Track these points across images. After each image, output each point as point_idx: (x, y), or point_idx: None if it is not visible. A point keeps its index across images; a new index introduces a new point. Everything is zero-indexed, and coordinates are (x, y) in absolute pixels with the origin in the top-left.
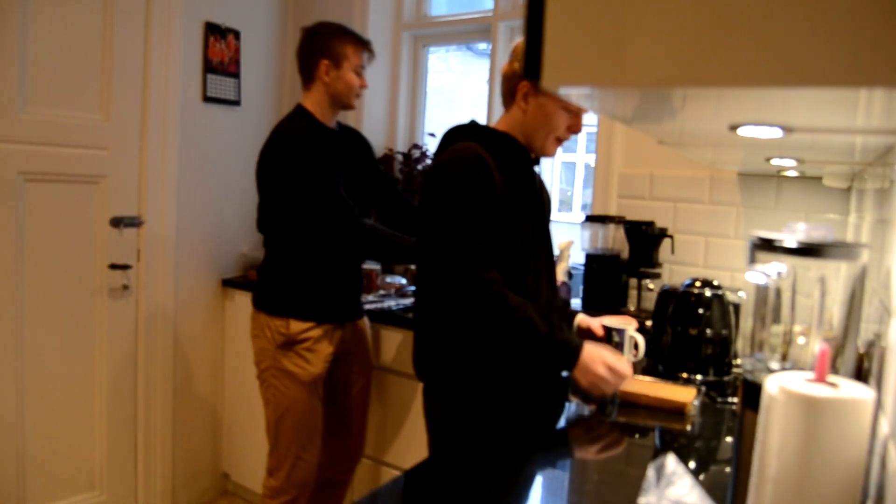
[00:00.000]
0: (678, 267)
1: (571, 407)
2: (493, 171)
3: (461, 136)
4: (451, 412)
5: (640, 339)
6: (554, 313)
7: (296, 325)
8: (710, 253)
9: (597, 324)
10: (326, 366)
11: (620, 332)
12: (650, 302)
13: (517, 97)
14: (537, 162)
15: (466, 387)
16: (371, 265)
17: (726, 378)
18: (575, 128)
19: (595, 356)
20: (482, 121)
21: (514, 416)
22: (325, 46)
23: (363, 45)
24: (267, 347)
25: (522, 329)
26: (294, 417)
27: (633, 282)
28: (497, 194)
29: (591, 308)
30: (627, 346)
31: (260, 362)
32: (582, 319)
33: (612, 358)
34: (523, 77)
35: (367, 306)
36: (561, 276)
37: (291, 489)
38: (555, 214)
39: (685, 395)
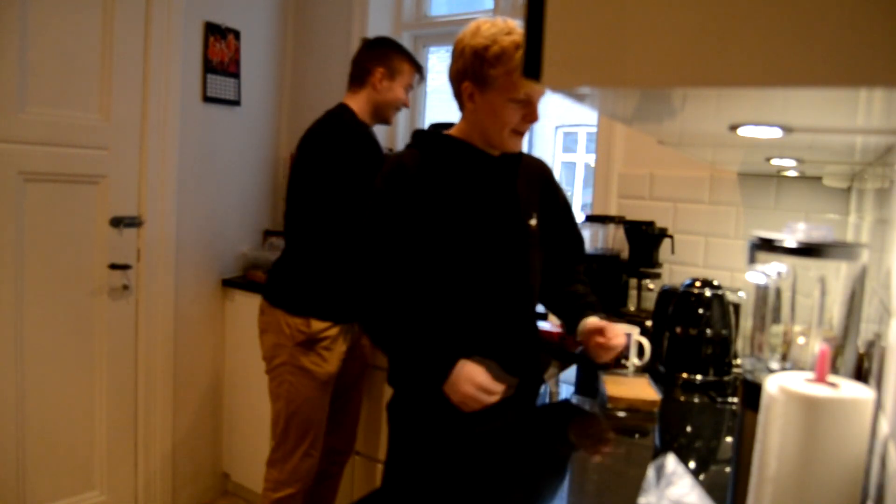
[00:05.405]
0: (678, 267)
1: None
2: (416, 179)
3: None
4: (401, 397)
5: (646, 344)
6: (526, 315)
7: (317, 325)
8: (710, 253)
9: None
10: (340, 364)
11: (626, 336)
12: (650, 302)
13: (464, 98)
14: (516, 159)
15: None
16: None
17: (726, 378)
18: (530, 117)
19: (464, 375)
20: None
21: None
22: (384, 56)
23: (418, 68)
24: (283, 344)
25: (391, 343)
26: (306, 413)
27: (633, 282)
28: (412, 203)
29: None
30: (633, 350)
31: (273, 357)
32: (591, 321)
33: (483, 376)
34: (466, 78)
35: None
36: None
37: (295, 482)
38: None
39: (651, 392)
